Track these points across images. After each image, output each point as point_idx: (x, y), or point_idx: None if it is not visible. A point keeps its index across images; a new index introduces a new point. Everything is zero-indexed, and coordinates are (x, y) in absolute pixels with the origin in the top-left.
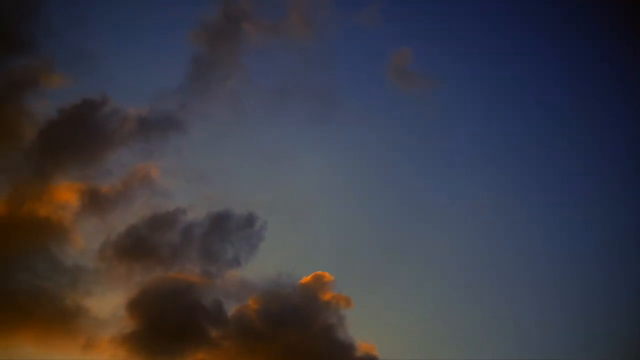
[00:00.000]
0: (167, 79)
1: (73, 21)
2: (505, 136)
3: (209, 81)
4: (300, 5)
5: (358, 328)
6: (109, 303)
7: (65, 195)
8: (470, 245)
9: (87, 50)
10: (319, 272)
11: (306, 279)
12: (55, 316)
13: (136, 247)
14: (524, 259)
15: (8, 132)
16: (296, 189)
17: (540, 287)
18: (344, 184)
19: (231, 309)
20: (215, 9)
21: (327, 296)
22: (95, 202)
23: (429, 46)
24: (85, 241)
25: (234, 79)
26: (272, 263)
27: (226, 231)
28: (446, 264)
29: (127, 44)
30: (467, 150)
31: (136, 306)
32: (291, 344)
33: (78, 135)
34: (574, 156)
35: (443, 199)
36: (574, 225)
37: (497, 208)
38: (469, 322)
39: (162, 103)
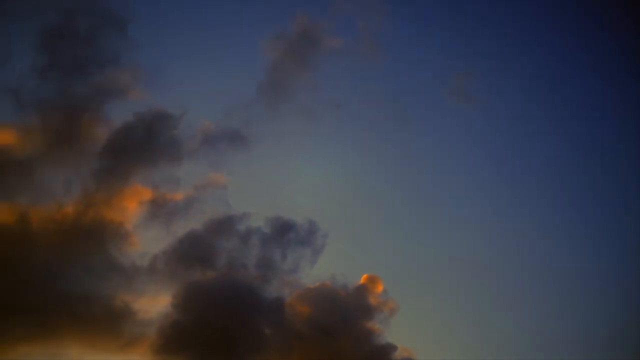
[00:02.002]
0: (239, 93)
1: (154, 37)
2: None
3: (279, 94)
4: (371, 26)
5: (401, 331)
6: (161, 304)
7: (133, 199)
8: (522, 262)
9: (165, 64)
10: (371, 275)
11: (358, 282)
12: (106, 317)
13: (195, 250)
14: (568, 277)
15: (84, 138)
16: (360, 198)
17: (581, 302)
18: (404, 194)
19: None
20: (290, 26)
21: (376, 299)
22: (161, 207)
23: (487, 68)
24: (148, 244)
25: (304, 93)
26: (326, 265)
27: (288, 241)
28: (496, 279)
29: (203, 59)
30: (523, 165)
31: (188, 307)
32: (335, 345)
33: (149, 144)
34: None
35: (498, 214)
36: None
37: (552, 226)
38: (509, 338)
39: (233, 116)
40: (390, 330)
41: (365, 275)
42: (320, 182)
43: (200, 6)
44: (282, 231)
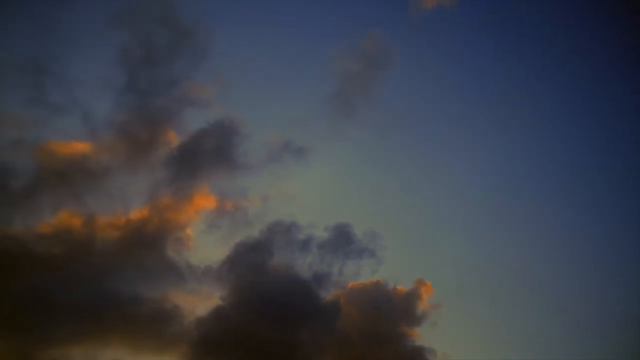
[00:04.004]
0: (307, 105)
1: (227, 50)
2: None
3: (345, 108)
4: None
5: (443, 336)
6: (215, 306)
7: (198, 205)
8: (576, 273)
9: (236, 76)
10: (421, 279)
11: (403, 288)
12: (155, 319)
13: (253, 257)
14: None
15: (156, 148)
16: (415, 207)
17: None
18: (457, 204)
19: None
20: (360, 42)
21: (424, 304)
22: (225, 214)
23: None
24: (210, 250)
25: (368, 107)
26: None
27: (346, 249)
28: (546, 290)
29: (272, 71)
30: (570, 177)
31: (238, 310)
32: (378, 347)
33: (218, 153)
34: None
35: (549, 223)
36: None
37: (607, 235)
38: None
39: (299, 127)
40: (433, 335)
41: (415, 279)
42: (379, 192)
43: (273, 19)
44: (342, 240)
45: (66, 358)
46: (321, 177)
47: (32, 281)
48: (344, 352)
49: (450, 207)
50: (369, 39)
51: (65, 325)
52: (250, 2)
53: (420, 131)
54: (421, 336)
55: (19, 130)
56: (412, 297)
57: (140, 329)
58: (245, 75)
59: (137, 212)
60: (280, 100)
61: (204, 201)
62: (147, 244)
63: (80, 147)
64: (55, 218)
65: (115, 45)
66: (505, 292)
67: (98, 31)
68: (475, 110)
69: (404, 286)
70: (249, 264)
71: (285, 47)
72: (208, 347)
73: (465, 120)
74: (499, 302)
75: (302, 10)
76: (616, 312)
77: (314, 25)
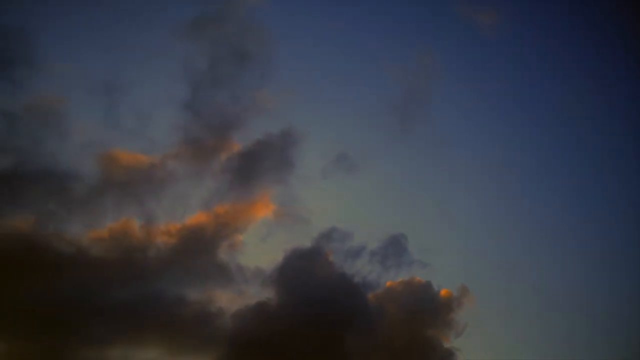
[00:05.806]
0: (364, 118)
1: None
2: None
3: (401, 121)
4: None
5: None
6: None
7: (257, 211)
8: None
9: (297, 88)
10: (463, 285)
11: (446, 291)
12: (205, 320)
13: (302, 264)
14: None
15: (218, 156)
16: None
17: None
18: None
19: None
20: (413, 58)
21: (462, 310)
22: (280, 221)
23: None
24: (264, 257)
25: (424, 120)
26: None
27: (398, 262)
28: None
29: (333, 85)
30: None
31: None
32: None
33: (276, 162)
34: None
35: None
36: None
37: None
38: None
39: (356, 139)
40: (468, 342)
41: (458, 285)
42: (431, 203)
43: (334, 33)
44: (394, 250)
45: (110, 358)
46: (375, 187)
47: (81, 283)
48: (381, 351)
49: (498, 221)
50: (426, 56)
51: (109, 326)
52: (311, 14)
53: (472, 146)
54: (455, 342)
55: (86, 139)
56: (453, 303)
57: (186, 331)
58: (305, 87)
59: (194, 218)
60: (338, 111)
61: (261, 208)
62: (202, 250)
63: (144, 156)
64: (113, 223)
65: (182, 57)
66: (549, 307)
67: (165, 42)
68: (524, 128)
69: (446, 289)
70: (299, 269)
71: (344, 61)
72: (248, 346)
73: (515, 137)
74: (542, 315)
75: (361, 26)
76: None
77: (373, 40)
